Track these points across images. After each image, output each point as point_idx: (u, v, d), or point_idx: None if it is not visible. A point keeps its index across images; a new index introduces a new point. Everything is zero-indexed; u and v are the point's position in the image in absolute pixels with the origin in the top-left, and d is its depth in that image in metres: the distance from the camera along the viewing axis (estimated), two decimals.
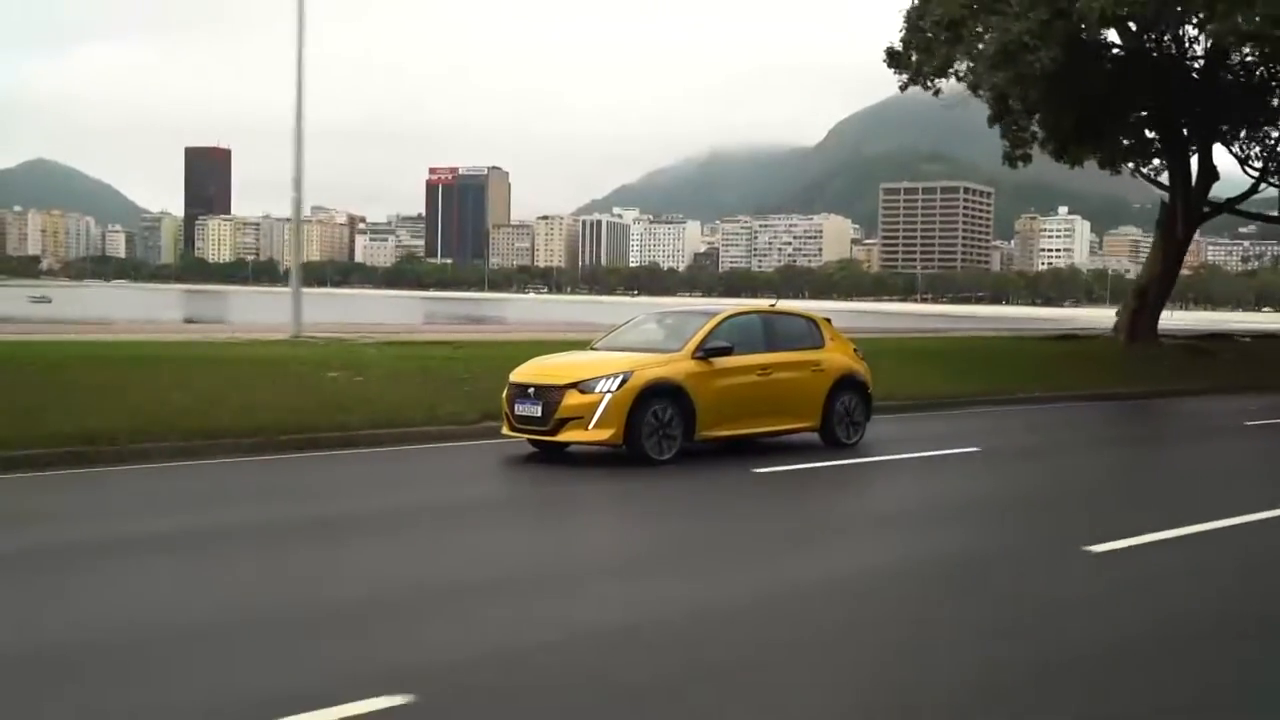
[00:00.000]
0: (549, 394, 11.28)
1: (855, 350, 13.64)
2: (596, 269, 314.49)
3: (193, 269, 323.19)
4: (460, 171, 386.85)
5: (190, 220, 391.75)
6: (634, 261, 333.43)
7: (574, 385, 11.21)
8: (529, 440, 11.77)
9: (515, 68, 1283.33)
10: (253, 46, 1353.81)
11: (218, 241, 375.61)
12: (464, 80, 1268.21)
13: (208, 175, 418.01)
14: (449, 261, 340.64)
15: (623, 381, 11.13)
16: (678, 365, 11.60)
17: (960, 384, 19.91)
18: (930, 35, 26.99)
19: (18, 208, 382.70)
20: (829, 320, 13.70)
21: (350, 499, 9.92)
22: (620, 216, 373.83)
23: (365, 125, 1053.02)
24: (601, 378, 11.20)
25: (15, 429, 10.96)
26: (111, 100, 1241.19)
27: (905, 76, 28.24)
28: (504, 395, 11.89)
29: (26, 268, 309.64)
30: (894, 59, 28.34)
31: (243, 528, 8.48)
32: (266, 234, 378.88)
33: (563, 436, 11.33)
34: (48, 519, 8.70)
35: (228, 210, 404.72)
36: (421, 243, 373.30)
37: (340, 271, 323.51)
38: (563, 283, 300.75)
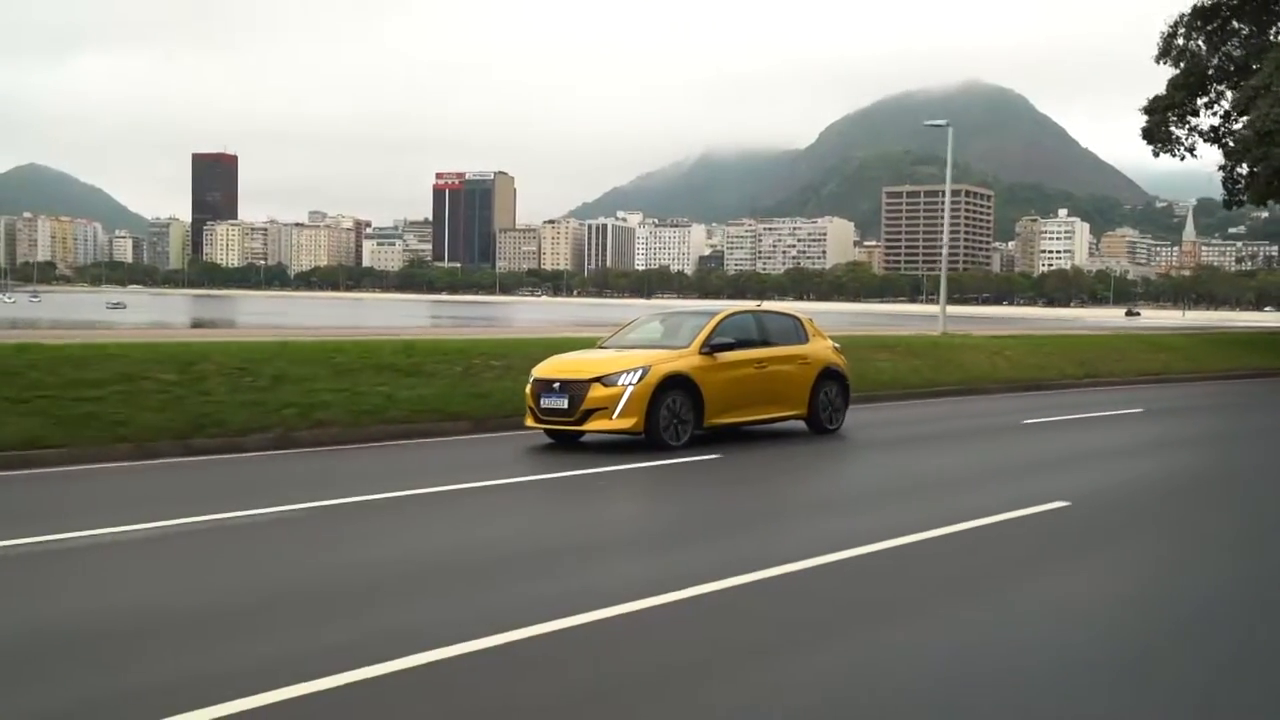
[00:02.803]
0: (574, 388, 12.02)
1: (834, 346, 14.73)
2: (606, 272, 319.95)
3: (207, 274, 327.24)
4: (467, 176, 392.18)
5: (198, 226, 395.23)
6: (639, 264, 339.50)
7: (598, 379, 12.00)
8: (547, 431, 12.61)
9: (503, 72, 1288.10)
10: (248, 54, 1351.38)
11: (226, 246, 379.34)
12: (454, 85, 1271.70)
13: (215, 181, 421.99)
14: (458, 265, 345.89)
15: (642, 375, 11.96)
16: (688, 360, 12.47)
17: None
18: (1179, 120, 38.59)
19: (27, 214, 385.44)
20: (810, 319, 14.84)
21: None
22: (625, 220, 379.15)
23: (363, 129, 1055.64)
24: (623, 372, 12.01)
25: None
26: (103, 105, 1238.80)
27: (1158, 146, 38.74)
28: (528, 390, 12.65)
29: (42, 273, 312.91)
30: (1148, 135, 38.60)
31: None
32: (274, 239, 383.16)
33: (589, 426, 12.05)
34: None
35: (234, 215, 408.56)
36: (428, 247, 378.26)
37: (351, 276, 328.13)
38: (572, 286, 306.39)
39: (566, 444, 12.28)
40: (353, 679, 4.54)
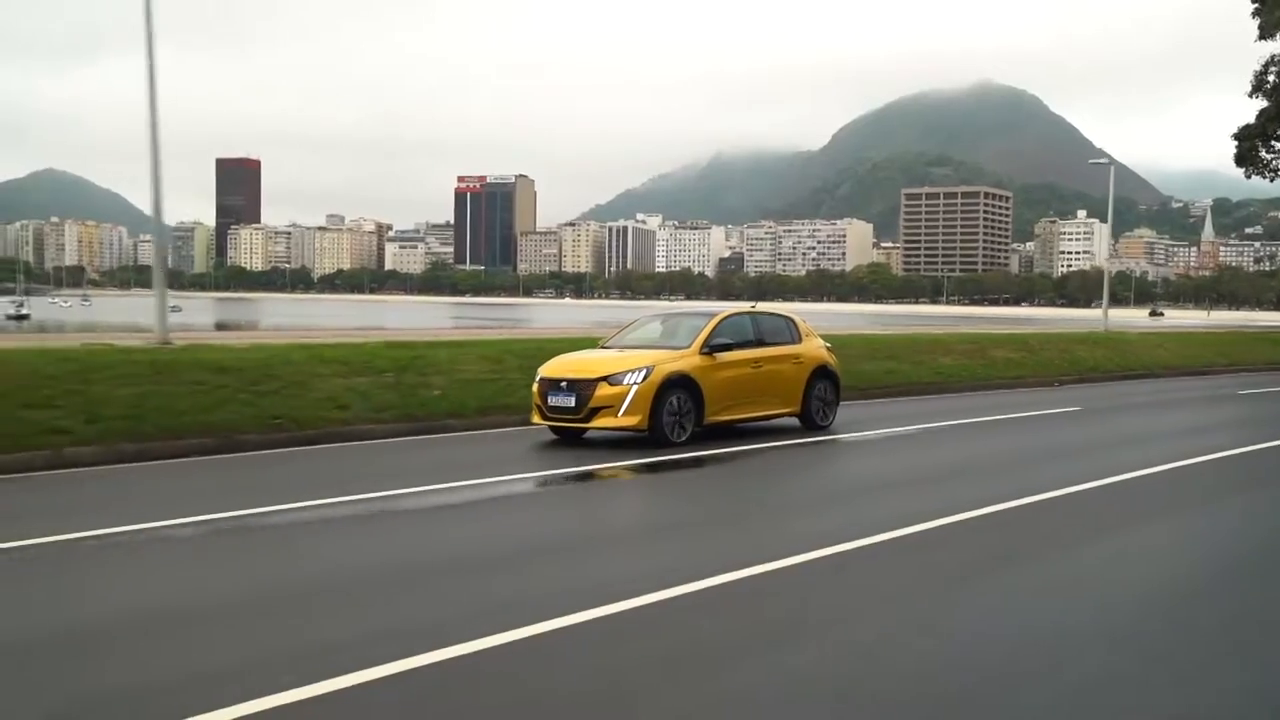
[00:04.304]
0: (582, 387, 12.46)
1: (826, 345, 15.23)
2: (629, 274, 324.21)
3: (234, 278, 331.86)
4: (488, 179, 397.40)
5: (222, 230, 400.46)
6: (660, 266, 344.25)
7: (605, 378, 12.43)
8: (550, 427, 13.03)
9: (516, 74, 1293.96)
10: (262, 58, 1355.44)
11: (250, 250, 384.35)
12: (465, 88, 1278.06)
13: (238, 185, 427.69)
14: (480, 268, 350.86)
15: (646, 375, 12.41)
16: (689, 360, 12.94)
17: None
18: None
19: (54, 218, 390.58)
20: (803, 319, 15.34)
21: None
22: (644, 222, 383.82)
23: (377, 132, 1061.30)
24: (628, 371, 12.46)
25: None
26: (118, 110, 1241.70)
27: (1248, 168, 44.44)
28: (534, 389, 13.04)
29: (73, 277, 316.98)
30: (1239, 159, 44.29)
31: None
32: (297, 242, 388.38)
33: (596, 423, 12.48)
34: None
35: (257, 219, 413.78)
36: (450, 250, 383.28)
37: (375, 279, 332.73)
38: (594, 288, 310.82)
39: (571, 440, 12.83)
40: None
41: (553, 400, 12.64)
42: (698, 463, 11.36)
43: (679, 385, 12.61)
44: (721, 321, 13.75)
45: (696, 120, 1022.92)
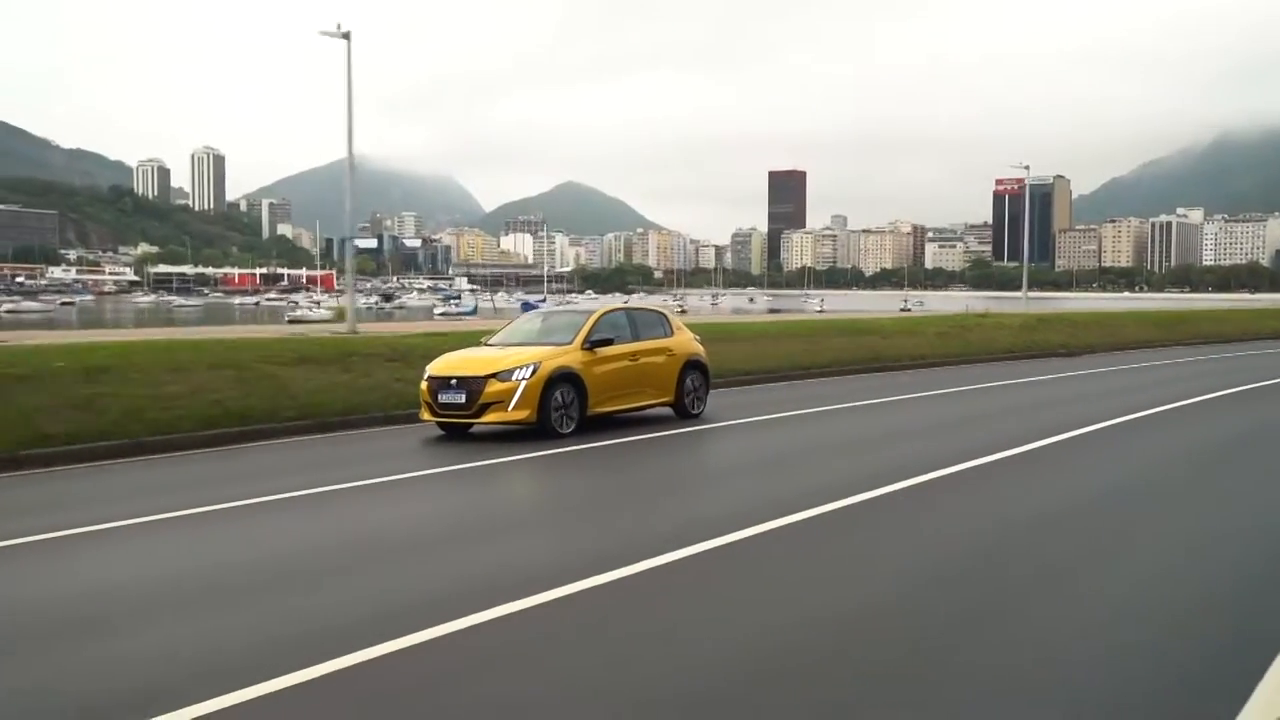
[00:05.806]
0: (471, 384, 13.26)
1: (695, 338, 16.24)
2: (1189, 269, 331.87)
3: (800, 277, 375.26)
4: (1026, 181, 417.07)
5: (774, 235, 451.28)
6: (1207, 261, 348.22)
7: (494, 375, 13.27)
8: (438, 424, 13.76)
9: (990, 68, 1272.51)
10: (750, 73, 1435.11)
11: (799, 252, 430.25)
12: (938, 87, 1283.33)
13: (787, 194, 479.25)
14: (1032, 264, 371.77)
15: (534, 370, 13.27)
16: (573, 355, 13.88)
17: None
18: None
19: (639, 229, 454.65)
20: (673, 313, 16.59)
21: None
22: (1185, 216, 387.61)
23: (863, 132, 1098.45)
24: (517, 368, 13.31)
25: None
26: (620, 128, 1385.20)
27: None
28: (423, 387, 13.75)
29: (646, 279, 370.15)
30: None
31: None
32: (843, 244, 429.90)
33: (486, 418, 13.25)
34: None
35: (803, 224, 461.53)
36: (987, 248, 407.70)
37: (918, 275, 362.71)
38: (1148, 283, 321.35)
39: (459, 435, 13.60)
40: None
41: (443, 398, 13.47)
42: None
43: (564, 380, 13.53)
44: (601, 318, 14.80)
45: (1194, 99, 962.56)
